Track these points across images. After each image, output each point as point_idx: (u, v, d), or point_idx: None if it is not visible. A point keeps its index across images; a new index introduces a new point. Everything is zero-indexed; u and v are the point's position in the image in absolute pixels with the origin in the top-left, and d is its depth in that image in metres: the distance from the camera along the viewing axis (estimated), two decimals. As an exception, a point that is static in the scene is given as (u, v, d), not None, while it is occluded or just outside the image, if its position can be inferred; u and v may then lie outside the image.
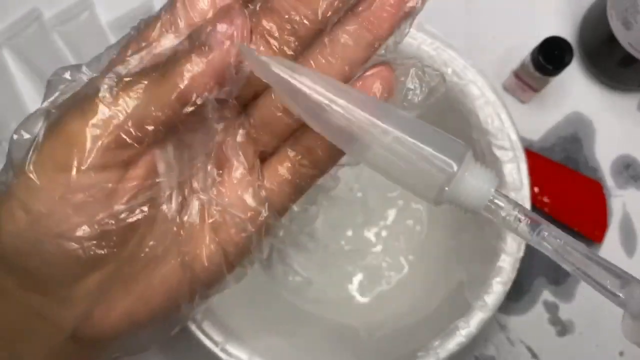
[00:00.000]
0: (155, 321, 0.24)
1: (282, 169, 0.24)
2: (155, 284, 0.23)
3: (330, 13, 0.21)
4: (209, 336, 0.39)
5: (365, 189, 0.51)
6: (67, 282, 0.21)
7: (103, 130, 0.20)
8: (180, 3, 0.22)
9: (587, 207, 0.52)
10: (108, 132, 0.20)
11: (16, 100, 0.53)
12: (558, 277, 0.51)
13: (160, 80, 0.20)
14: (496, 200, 0.21)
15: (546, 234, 0.21)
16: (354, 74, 0.22)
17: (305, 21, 0.21)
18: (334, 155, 0.24)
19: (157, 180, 0.22)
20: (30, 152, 0.20)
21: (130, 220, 0.21)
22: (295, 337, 0.45)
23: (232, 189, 0.23)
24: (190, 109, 0.21)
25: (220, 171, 0.23)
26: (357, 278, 0.50)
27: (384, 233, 0.50)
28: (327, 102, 0.21)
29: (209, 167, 0.23)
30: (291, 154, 0.23)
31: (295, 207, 0.25)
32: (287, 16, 0.21)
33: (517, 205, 0.21)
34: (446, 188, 0.21)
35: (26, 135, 0.21)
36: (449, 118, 0.44)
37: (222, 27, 0.20)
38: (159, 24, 0.22)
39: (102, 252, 0.21)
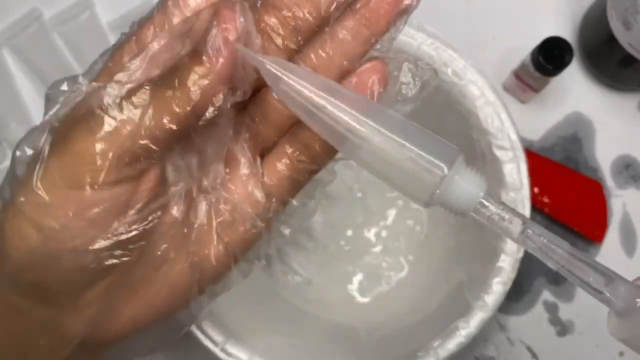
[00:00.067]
0: (162, 323, 0.24)
1: (281, 165, 0.24)
2: (164, 286, 0.23)
3: (331, 10, 0.22)
4: (209, 336, 0.39)
5: (365, 189, 0.51)
6: (77, 291, 0.21)
7: (114, 145, 0.20)
8: (172, 2, 0.21)
9: (587, 207, 0.52)
10: (119, 146, 0.20)
11: (16, 100, 0.53)
12: (558, 277, 0.51)
13: (171, 92, 0.20)
14: (485, 204, 0.21)
15: (530, 232, 0.21)
16: (352, 68, 0.23)
17: (309, 18, 0.22)
18: (330, 151, 0.24)
19: (169, 187, 0.22)
20: (37, 169, 0.20)
21: (144, 228, 0.21)
22: (295, 337, 0.45)
23: (241, 186, 0.23)
24: (207, 117, 0.21)
25: (227, 169, 0.24)
26: (357, 278, 0.50)
27: (383, 233, 0.50)
28: (320, 101, 0.21)
29: (219, 167, 0.23)
30: (289, 150, 0.24)
31: (294, 202, 0.25)
32: (289, 13, 0.21)
33: (501, 203, 0.21)
34: (437, 191, 0.21)
35: (29, 151, 0.21)
36: (449, 118, 0.44)
37: (228, 32, 0.20)
38: (152, 25, 0.22)
39: (117, 262, 0.21)
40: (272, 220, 0.24)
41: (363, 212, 0.51)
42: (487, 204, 0.21)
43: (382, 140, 0.21)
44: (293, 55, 0.22)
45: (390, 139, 0.21)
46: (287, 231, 0.27)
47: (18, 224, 0.20)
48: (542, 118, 0.54)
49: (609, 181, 0.53)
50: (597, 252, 0.51)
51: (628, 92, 0.54)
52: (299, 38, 0.22)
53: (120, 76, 0.20)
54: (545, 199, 0.51)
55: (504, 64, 0.54)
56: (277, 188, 0.24)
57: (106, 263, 0.21)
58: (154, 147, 0.20)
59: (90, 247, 0.20)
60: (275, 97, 0.23)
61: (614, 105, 0.54)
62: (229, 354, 0.39)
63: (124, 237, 0.21)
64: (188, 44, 0.20)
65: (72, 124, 0.20)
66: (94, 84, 0.21)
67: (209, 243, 0.23)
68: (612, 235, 0.52)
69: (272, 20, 0.22)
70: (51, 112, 0.21)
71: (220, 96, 0.20)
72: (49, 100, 0.22)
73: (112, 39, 0.54)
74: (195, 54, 0.20)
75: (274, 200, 0.24)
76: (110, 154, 0.20)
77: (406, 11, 0.23)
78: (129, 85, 0.20)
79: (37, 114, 0.53)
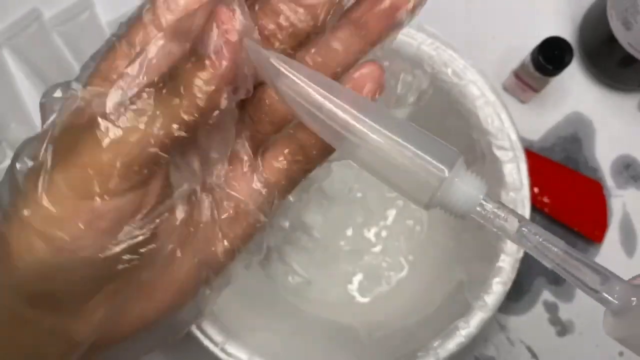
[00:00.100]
0: (167, 321, 0.24)
1: (278, 163, 0.24)
2: (172, 285, 0.23)
3: (328, 19, 0.22)
4: (209, 336, 0.39)
5: (365, 189, 0.51)
6: (85, 298, 0.21)
7: (122, 154, 0.19)
8: (162, 1, 0.21)
9: (587, 207, 0.52)
10: (128, 155, 0.19)
11: (16, 100, 0.53)
12: (558, 277, 0.51)
13: (178, 99, 0.20)
14: (482, 202, 0.21)
15: (526, 230, 0.21)
16: (345, 73, 0.23)
17: (305, 24, 0.22)
18: (326, 150, 0.24)
19: (173, 187, 0.22)
20: (42, 181, 0.20)
21: (152, 231, 0.21)
22: (295, 337, 0.45)
23: (243, 182, 0.24)
24: (212, 121, 0.20)
25: (231, 166, 0.24)
26: (357, 278, 0.50)
27: (383, 233, 0.50)
28: (322, 100, 0.21)
29: (224, 166, 0.23)
30: (286, 150, 0.24)
31: (290, 198, 0.26)
32: (287, 19, 0.21)
33: (497, 202, 0.21)
34: (437, 193, 0.21)
35: (29, 163, 0.21)
36: (449, 118, 0.44)
37: (229, 33, 0.19)
38: (142, 26, 0.21)
39: (127, 266, 0.21)
40: (272, 214, 0.25)
41: (363, 212, 0.51)
42: (484, 202, 0.21)
43: (382, 141, 0.21)
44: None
45: (391, 140, 0.21)
46: (286, 223, 0.27)
47: (25, 237, 0.20)
48: (542, 118, 0.54)
49: (609, 181, 0.53)
50: (597, 252, 0.51)
51: (628, 92, 0.54)
52: (295, 43, 0.22)
53: (120, 83, 0.20)
54: (545, 199, 0.51)
55: (504, 64, 0.54)
56: (275, 185, 0.24)
57: (117, 268, 0.21)
58: (163, 154, 0.20)
59: (101, 255, 0.20)
60: (275, 95, 0.23)
61: (614, 105, 0.54)
62: (229, 354, 0.39)
63: (134, 241, 0.21)
64: (187, 46, 0.20)
65: (75, 133, 0.20)
66: (93, 88, 0.21)
67: (215, 239, 0.24)
68: (612, 235, 0.52)
69: (270, 26, 0.22)
70: (49, 121, 0.21)
71: (225, 98, 0.20)
72: (44, 109, 0.21)
73: (112, 39, 0.54)
74: (198, 58, 0.19)
75: (274, 195, 0.24)
76: (119, 164, 0.19)
77: (401, 24, 0.23)
78: (130, 92, 0.20)
79: (37, 114, 0.52)
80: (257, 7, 0.22)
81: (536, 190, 0.51)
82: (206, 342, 0.39)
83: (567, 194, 0.52)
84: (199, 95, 0.19)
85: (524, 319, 0.50)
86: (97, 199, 0.19)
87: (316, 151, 0.24)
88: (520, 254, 0.40)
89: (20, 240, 0.20)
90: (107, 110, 0.20)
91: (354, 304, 0.49)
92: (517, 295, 0.50)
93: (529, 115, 0.54)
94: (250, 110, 0.24)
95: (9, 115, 0.52)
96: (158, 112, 0.19)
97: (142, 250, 0.21)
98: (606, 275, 0.20)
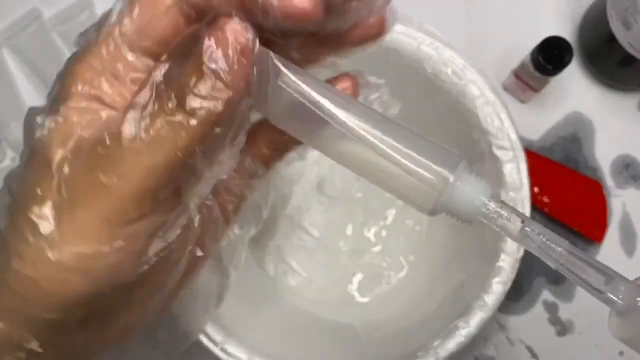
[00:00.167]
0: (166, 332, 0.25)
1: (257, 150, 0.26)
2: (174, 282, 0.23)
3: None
4: (208, 336, 0.39)
5: (365, 189, 0.51)
6: (114, 312, 0.22)
7: (151, 177, 0.19)
8: (129, 20, 0.20)
9: (587, 207, 0.52)
10: (156, 178, 0.19)
11: (16, 100, 0.53)
12: (558, 277, 0.51)
13: (192, 118, 0.19)
14: (487, 206, 0.21)
15: (529, 230, 0.21)
16: None
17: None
18: (293, 144, 0.26)
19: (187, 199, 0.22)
20: (62, 218, 0.19)
21: (176, 240, 0.22)
22: (295, 337, 0.45)
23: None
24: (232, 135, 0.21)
25: None
26: (357, 278, 0.50)
27: (384, 233, 0.50)
28: (324, 104, 0.21)
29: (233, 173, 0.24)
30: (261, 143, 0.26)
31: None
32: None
33: (500, 201, 0.21)
34: (442, 199, 0.21)
35: (48, 207, 0.20)
36: (449, 118, 0.44)
37: (246, 55, 0.19)
38: (111, 39, 0.20)
39: (152, 278, 0.21)
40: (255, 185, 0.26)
41: (363, 212, 0.51)
42: (487, 202, 0.21)
43: (385, 149, 0.21)
44: None
45: (393, 147, 0.21)
46: (265, 213, 0.27)
47: (58, 275, 0.19)
48: (542, 118, 0.54)
49: (609, 181, 0.53)
50: (597, 252, 0.51)
51: (628, 92, 0.54)
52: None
53: (132, 114, 0.19)
54: (545, 199, 0.51)
55: (504, 64, 0.54)
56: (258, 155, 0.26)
57: (148, 282, 0.21)
58: (187, 171, 0.20)
59: (136, 274, 0.20)
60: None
61: (614, 105, 0.54)
62: (229, 354, 0.39)
63: (162, 255, 0.21)
64: (195, 68, 0.19)
65: (90, 165, 0.19)
66: (80, 110, 0.20)
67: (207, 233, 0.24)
68: (612, 235, 0.52)
69: None
70: (58, 158, 0.20)
71: (249, 115, 0.20)
72: (32, 136, 0.20)
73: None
74: (215, 85, 0.19)
75: (257, 164, 0.26)
76: (150, 185, 0.19)
77: (374, 42, 0.23)
78: (145, 122, 0.19)
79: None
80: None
81: (536, 190, 0.51)
82: (206, 342, 0.39)
83: (567, 194, 0.52)
84: (216, 116, 0.19)
85: (524, 319, 0.50)
86: (129, 225, 0.19)
87: (282, 148, 0.26)
88: (521, 254, 0.40)
89: (52, 280, 0.19)
90: (127, 137, 0.19)
91: (354, 303, 0.49)
92: (517, 295, 0.50)
93: (529, 115, 0.54)
94: None
95: (9, 115, 0.52)
96: (181, 140, 0.19)
97: (164, 264, 0.21)
98: (611, 276, 0.20)
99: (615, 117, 0.54)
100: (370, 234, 0.50)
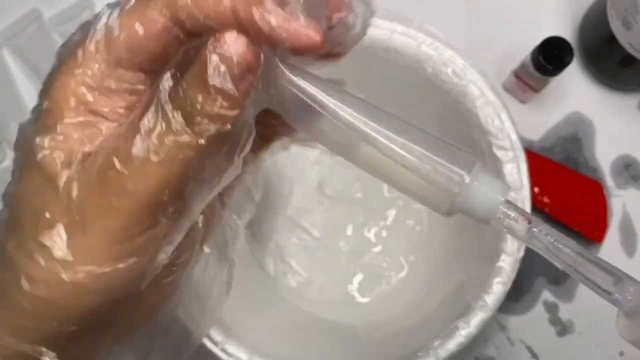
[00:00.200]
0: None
1: None
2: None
3: None
4: (209, 336, 0.39)
5: (365, 189, 0.51)
6: (124, 316, 0.22)
7: (153, 198, 0.19)
8: (117, 40, 0.20)
9: (587, 207, 0.52)
10: (158, 198, 0.19)
11: (16, 100, 0.53)
12: (558, 277, 0.51)
13: (215, 152, 0.19)
14: (505, 209, 0.21)
15: (536, 230, 0.20)
16: None
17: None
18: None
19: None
20: (73, 240, 0.19)
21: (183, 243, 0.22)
22: (295, 337, 0.45)
23: None
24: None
25: None
26: (357, 278, 0.50)
27: (384, 233, 0.50)
28: (334, 108, 0.20)
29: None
30: None
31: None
32: None
33: (507, 202, 0.21)
34: (458, 199, 0.20)
35: (61, 231, 0.20)
36: (449, 118, 0.44)
37: (252, 73, 0.19)
38: (94, 51, 0.20)
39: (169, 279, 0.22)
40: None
41: (363, 212, 0.51)
42: (506, 210, 0.21)
43: (399, 149, 0.20)
44: None
45: (408, 148, 0.20)
46: (257, 196, 0.28)
47: (71, 294, 0.19)
48: (542, 118, 0.54)
49: (609, 181, 0.53)
50: (597, 252, 0.51)
51: (628, 92, 0.54)
52: None
53: (140, 137, 0.19)
54: (545, 199, 0.51)
55: (504, 64, 0.54)
56: None
57: (161, 286, 0.22)
58: (199, 188, 0.20)
59: (145, 282, 0.21)
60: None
61: (614, 105, 0.54)
62: (229, 354, 0.39)
63: (169, 259, 0.21)
64: (201, 86, 0.19)
65: (99, 190, 0.19)
66: (109, 128, 0.20)
67: None
68: (612, 235, 0.52)
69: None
70: (64, 179, 0.20)
71: (254, 125, 0.20)
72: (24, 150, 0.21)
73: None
74: (222, 104, 0.19)
75: None
76: (156, 207, 0.19)
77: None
78: (154, 144, 0.19)
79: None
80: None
81: (536, 190, 0.51)
82: (206, 342, 0.39)
83: (567, 194, 0.52)
84: (224, 120, 0.19)
85: (524, 319, 0.50)
86: (139, 237, 0.19)
87: None
88: (521, 254, 0.40)
89: (67, 299, 0.20)
90: (137, 157, 0.19)
91: (354, 303, 0.49)
92: (517, 295, 0.50)
93: (529, 115, 0.54)
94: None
95: (9, 115, 0.52)
96: (195, 160, 0.19)
97: (176, 263, 0.22)
98: (619, 276, 0.20)
99: (615, 117, 0.54)
100: (370, 234, 0.50)
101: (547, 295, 0.51)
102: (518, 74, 0.51)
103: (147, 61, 0.20)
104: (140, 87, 0.20)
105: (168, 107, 0.19)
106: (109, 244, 0.19)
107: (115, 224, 0.19)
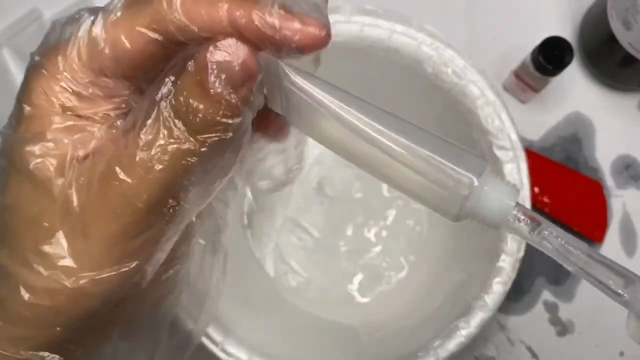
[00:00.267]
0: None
1: None
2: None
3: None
4: (209, 336, 0.39)
5: (365, 189, 0.51)
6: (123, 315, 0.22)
7: (154, 200, 0.19)
8: (102, 50, 0.19)
9: (587, 207, 0.52)
10: (159, 200, 0.19)
11: (16, 100, 0.53)
12: (558, 277, 0.51)
13: (216, 158, 0.20)
14: (515, 212, 0.20)
15: (546, 233, 0.20)
16: None
17: None
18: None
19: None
20: (67, 250, 0.19)
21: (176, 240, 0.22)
22: (295, 337, 0.45)
23: None
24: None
25: None
26: (357, 278, 0.50)
27: (384, 233, 0.50)
28: (340, 111, 0.20)
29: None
30: None
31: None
32: None
33: (517, 205, 0.21)
34: (467, 204, 0.20)
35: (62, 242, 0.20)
36: (449, 118, 0.44)
37: (253, 80, 0.19)
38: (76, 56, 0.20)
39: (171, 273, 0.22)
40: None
41: (363, 212, 0.51)
42: (516, 212, 0.20)
43: (406, 152, 0.20)
44: None
45: (418, 152, 0.20)
46: (239, 184, 0.28)
47: (74, 299, 0.19)
48: (542, 118, 0.54)
49: (609, 181, 0.53)
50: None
51: (628, 92, 0.54)
52: None
53: (141, 151, 0.19)
54: (545, 199, 0.51)
55: (504, 64, 0.54)
56: None
57: (159, 283, 0.22)
58: (199, 190, 0.20)
59: (145, 281, 0.21)
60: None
61: (614, 105, 0.54)
62: (229, 354, 0.39)
63: (166, 257, 0.21)
64: (201, 94, 0.19)
65: (100, 196, 0.19)
66: (103, 133, 0.20)
67: None
68: (612, 235, 0.52)
69: None
70: (59, 187, 0.20)
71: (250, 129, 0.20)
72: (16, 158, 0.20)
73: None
74: (223, 112, 0.19)
75: None
76: (156, 208, 0.19)
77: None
78: (156, 152, 0.19)
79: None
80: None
81: (536, 190, 0.51)
82: (206, 342, 0.39)
83: (567, 194, 0.52)
84: (223, 125, 0.19)
85: (524, 319, 0.50)
86: (138, 238, 0.19)
87: None
88: (521, 254, 0.40)
89: (70, 304, 0.20)
90: (139, 165, 0.19)
91: (354, 303, 0.49)
92: (517, 295, 0.50)
93: (529, 115, 0.54)
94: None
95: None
96: (199, 167, 0.19)
97: (174, 257, 0.22)
98: (630, 278, 0.19)
99: (615, 117, 0.54)
100: (370, 234, 0.50)
101: (547, 295, 0.51)
102: (518, 74, 0.51)
103: (131, 70, 0.20)
104: (125, 92, 0.20)
105: (169, 116, 0.19)
106: (110, 248, 0.19)
107: (117, 229, 0.19)
